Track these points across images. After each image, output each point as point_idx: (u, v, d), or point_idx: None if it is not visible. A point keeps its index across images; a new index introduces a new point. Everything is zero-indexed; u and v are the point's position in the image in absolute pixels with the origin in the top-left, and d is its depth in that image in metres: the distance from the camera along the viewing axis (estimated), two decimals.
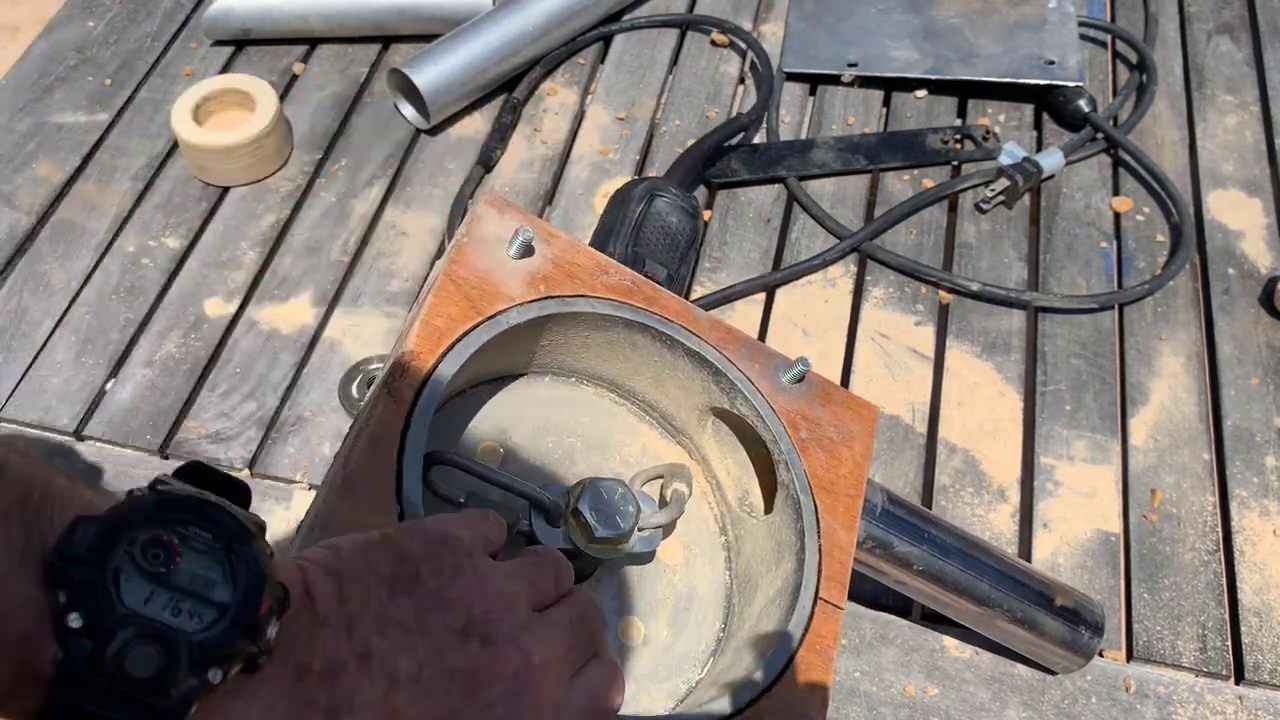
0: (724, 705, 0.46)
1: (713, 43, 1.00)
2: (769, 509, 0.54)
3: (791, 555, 0.51)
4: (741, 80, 0.97)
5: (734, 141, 0.91)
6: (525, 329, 0.52)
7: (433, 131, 0.91)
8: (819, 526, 0.52)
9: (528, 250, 0.53)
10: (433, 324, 0.50)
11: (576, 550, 0.49)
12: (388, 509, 0.44)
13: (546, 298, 0.52)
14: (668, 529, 0.55)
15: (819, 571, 0.51)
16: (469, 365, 0.52)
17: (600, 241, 0.75)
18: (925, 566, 0.59)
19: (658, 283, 0.68)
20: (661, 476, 0.55)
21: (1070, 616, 0.62)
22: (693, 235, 0.75)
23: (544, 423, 0.57)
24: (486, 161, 0.88)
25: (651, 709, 0.50)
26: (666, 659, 0.52)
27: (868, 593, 0.66)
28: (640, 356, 0.56)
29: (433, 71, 0.87)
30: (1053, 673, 0.64)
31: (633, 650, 0.52)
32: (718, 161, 0.88)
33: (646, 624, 0.52)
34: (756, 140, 0.92)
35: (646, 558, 0.54)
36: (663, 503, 0.53)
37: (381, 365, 0.75)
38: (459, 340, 0.50)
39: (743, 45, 0.97)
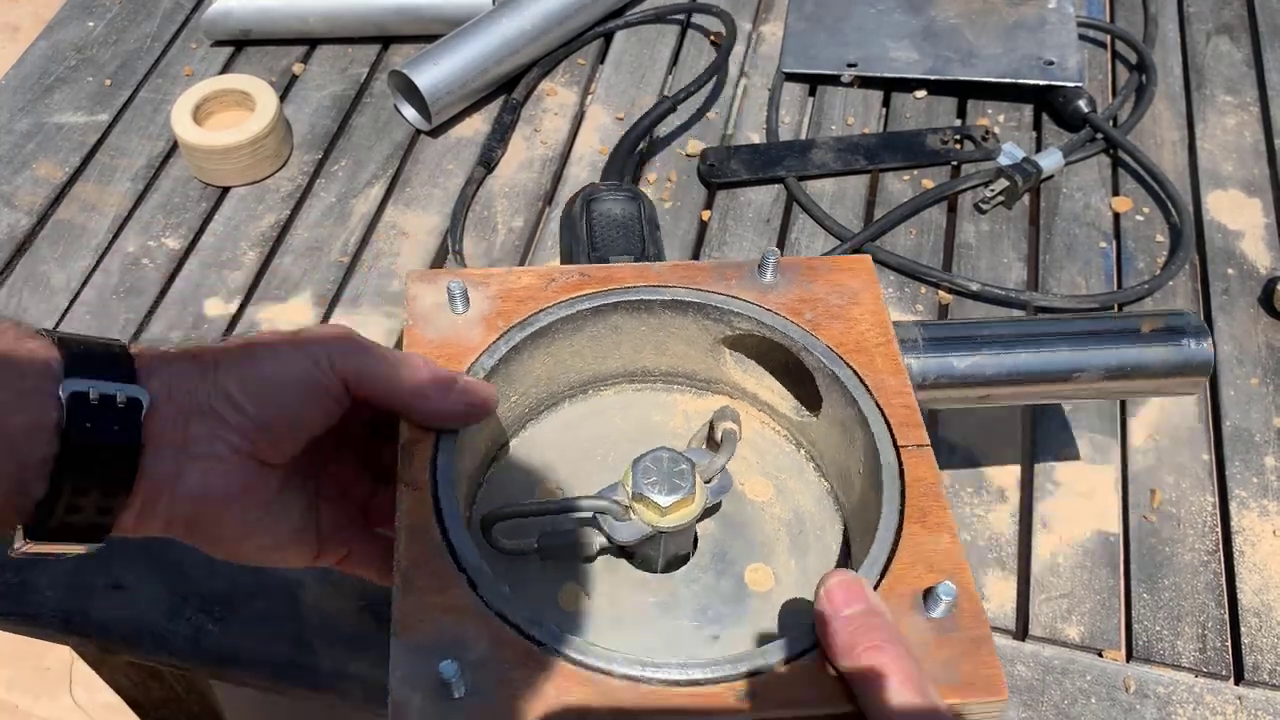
0: (873, 573, 0.46)
1: (713, 43, 1.00)
2: (820, 403, 0.54)
3: (857, 426, 0.52)
4: (742, 76, 0.98)
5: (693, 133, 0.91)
6: (508, 368, 0.53)
7: (433, 132, 0.91)
8: (866, 386, 0.52)
9: (468, 299, 0.53)
10: None
11: (657, 531, 0.49)
12: (455, 584, 0.44)
13: (508, 330, 0.53)
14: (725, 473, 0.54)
15: (887, 424, 0.51)
16: (474, 429, 0.52)
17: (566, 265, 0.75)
18: (997, 370, 0.57)
19: None
20: (711, 423, 0.55)
21: (1168, 336, 0.58)
22: (639, 213, 0.75)
23: (583, 443, 0.57)
24: (487, 161, 0.88)
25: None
26: (807, 585, 0.52)
27: None
28: (629, 335, 0.56)
29: (434, 72, 0.87)
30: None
31: (771, 593, 0.52)
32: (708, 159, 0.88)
33: (772, 565, 0.52)
34: (756, 141, 0.92)
35: (719, 506, 0.54)
36: (716, 447, 0.53)
37: None
38: None
39: (716, 28, 0.97)
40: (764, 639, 0.48)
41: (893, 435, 0.51)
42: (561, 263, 0.76)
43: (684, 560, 0.52)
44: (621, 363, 0.58)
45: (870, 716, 0.41)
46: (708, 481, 0.51)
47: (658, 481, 0.48)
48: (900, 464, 0.49)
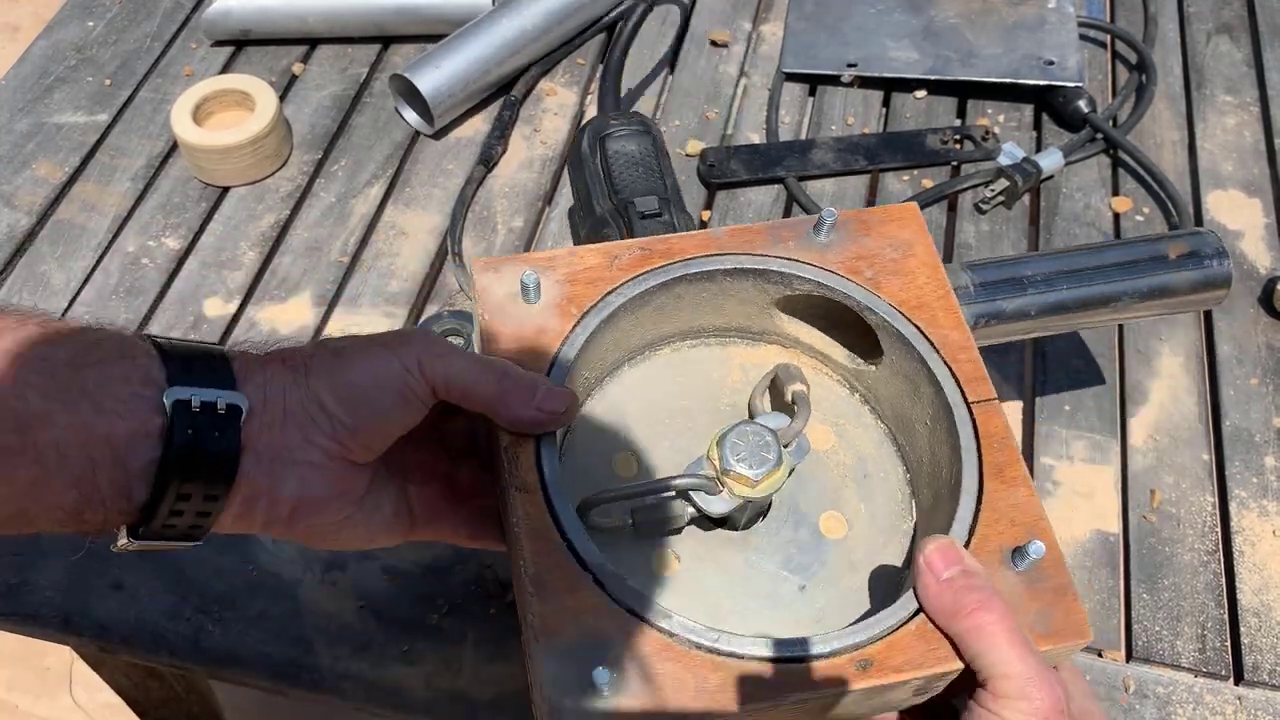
0: (961, 534, 0.48)
1: (712, 43, 1.00)
2: (879, 353, 0.56)
3: (924, 381, 0.53)
4: (742, 76, 0.98)
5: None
6: (585, 352, 0.53)
7: (434, 133, 0.91)
8: (932, 343, 0.54)
9: (540, 289, 0.54)
10: None
11: (747, 501, 0.51)
12: (582, 584, 0.46)
13: (583, 316, 0.53)
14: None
15: (956, 381, 0.52)
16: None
17: (583, 207, 0.75)
18: (1042, 306, 0.61)
19: (654, 213, 0.69)
20: (775, 379, 0.56)
21: (1192, 261, 0.63)
22: (655, 145, 0.75)
23: (648, 406, 0.57)
24: (487, 160, 0.88)
25: (897, 566, 0.52)
26: (876, 527, 0.54)
27: None
28: (689, 302, 0.57)
29: (435, 76, 0.87)
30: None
31: (847, 540, 0.53)
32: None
33: (843, 511, 0.54)
34: (756, 141, 0.92)
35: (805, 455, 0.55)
36: (789, 410, 0.54)
37: (449, 312, 0.76)
38: None
39: None
40: (847, 585, 0.52)
41: (963, 392, 0.52)
42: (575, 201, 0.75)
43: (763, 515, 0.54)
44: (678, 325, 0.59)
45: (982, 673, 0.44)
46: (786, 446, 0.52)
47: (745, 457, 0.50)
48: (974, 420, 0.51)
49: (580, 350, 0.53)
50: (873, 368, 0.57)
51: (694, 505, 0.51)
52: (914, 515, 0.54)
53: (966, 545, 0.48)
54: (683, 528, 0.53)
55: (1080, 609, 0.46)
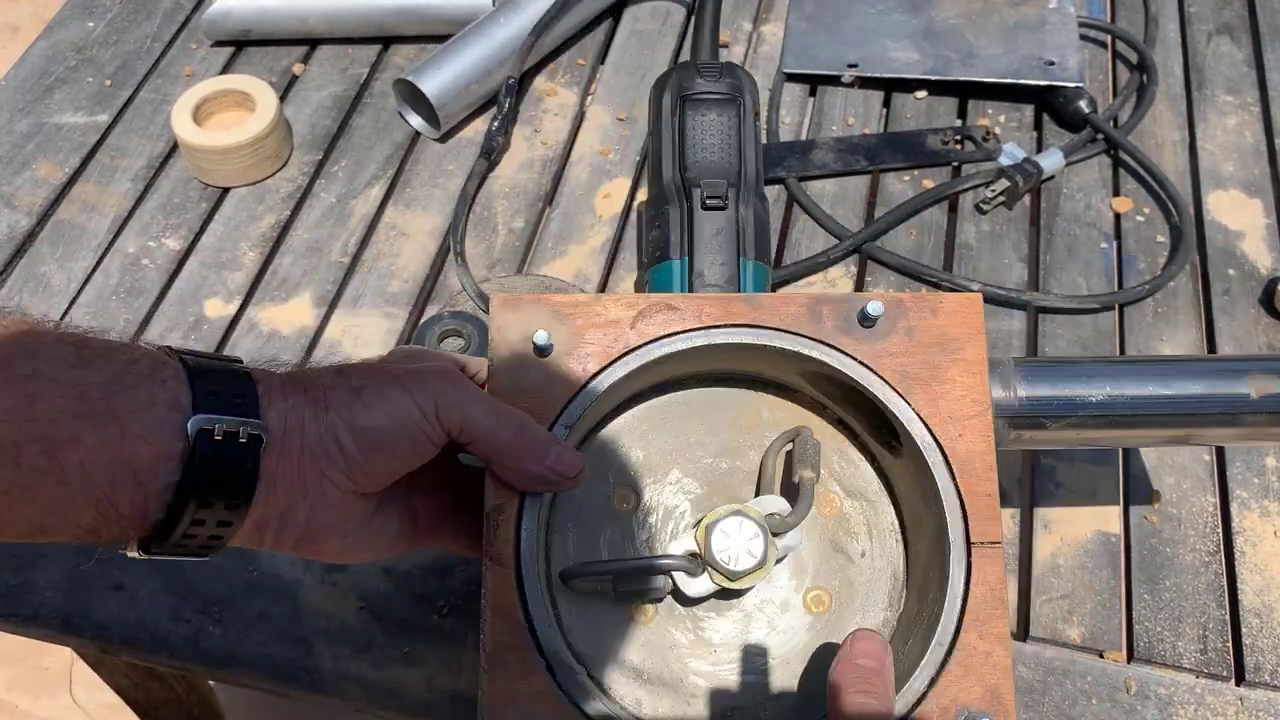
0: (922, 680, 0.48)
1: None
2: (900, 443, 0.53)
3: (935, 504, 0.51)
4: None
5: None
6: (591, 409, 0.52)
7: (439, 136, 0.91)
8: (951, 469, 0.51)
9: (553, 346, 0.52)
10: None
11: (734, 590, 0.51)
12: (536, 670, 0.47)
13: (592, 379, 0.51)
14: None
15: (964, 518, 0.50)
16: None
17: (654, 165, 0.70)
18: (1094, 427, 0.57)
19: (716, 204, 0.64)
20: (791, 443, 0.54)
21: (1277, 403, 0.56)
22: (740, 115, 0.68)
23: (660, 434, 0.56)
24: (488, 152, 0.88)
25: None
26: (859, 612, 0.53)
27: None
28: (711, 358, 0.55)
29: (440, 79, 0.87)
30: None
31: (826, 617, 0.53)
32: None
33: (829, 588, 0.54)
34: None
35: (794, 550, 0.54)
36: (794, 491, 0.52)
37: (449, 313, 0.76)
38: None
39: None
40: (814, 665, 0.52)
41: (967, 531, 0.50)
42: (650, 150, 0.70)
43: (746, 589, 0.54)
44: (702, 368, 0.57)
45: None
46: (776, 535, 0.51)
47: (731, 550, 0.50)
48: (969, 565, 0.50)
49: (586, 410, 0.52)
50: (892, 457, 0.54)
51: (674, 584, 0.51)
52: (901, 606, 0.53)
53: (926, 693, 0.48)
54: (662, 598, 0.53)
55: None
